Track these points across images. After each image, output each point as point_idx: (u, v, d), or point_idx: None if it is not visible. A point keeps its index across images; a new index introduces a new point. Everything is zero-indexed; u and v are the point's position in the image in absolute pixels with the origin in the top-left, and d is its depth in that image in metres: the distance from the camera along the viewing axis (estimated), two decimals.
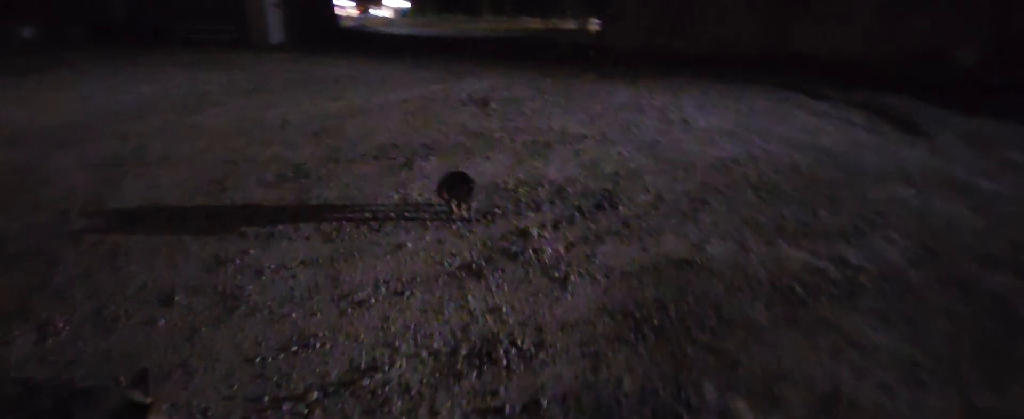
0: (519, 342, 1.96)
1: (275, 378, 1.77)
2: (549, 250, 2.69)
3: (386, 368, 1.82)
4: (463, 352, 1.91)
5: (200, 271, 2.48)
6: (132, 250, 2.68)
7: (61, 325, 2.05)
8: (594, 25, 16.64)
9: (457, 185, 2.96)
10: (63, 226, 2.98)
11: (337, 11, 21.58)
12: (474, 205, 3.12)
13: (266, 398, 1.69)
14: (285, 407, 1.66)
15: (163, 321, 2.09)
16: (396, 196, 3.44)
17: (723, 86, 7.63)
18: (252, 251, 2.67)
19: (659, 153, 4.40)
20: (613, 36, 13.11)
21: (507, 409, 1.67)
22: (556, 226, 2.99)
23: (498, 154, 4.36)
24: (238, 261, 2.57)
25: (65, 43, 11.99)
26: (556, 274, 2.46)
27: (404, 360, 1.87)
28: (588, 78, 8.39)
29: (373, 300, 2.24)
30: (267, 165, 4.06)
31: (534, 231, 2.91)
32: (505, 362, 1.86)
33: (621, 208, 3.26)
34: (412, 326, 2.07)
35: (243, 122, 5.41)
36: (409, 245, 2.75)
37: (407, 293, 2.30)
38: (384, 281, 2.40)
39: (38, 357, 1.87)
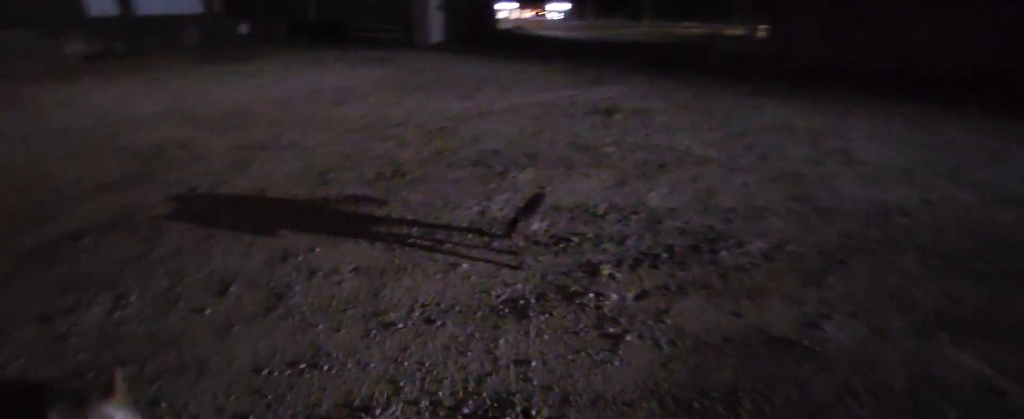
0: (533, 412, 1.64)
1: (269, 397, 1.69)
2: (614, 297, 2.29)
3: (377, 411, 1.64)
4: (466, 410, 1.65)
5: (264, 263, 2.56)
6: (223, 233, 2.89)
7: (133, 298, 2.24)
8: (763, 32, 14.91)
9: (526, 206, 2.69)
10: (186, 202, 3.36)
11: (500, 14, 22.62)
12: (534, 226, 2.81)
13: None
14: None
15: (210, 311, 2.17)
16: (476, 208, 3.29)
17: (912, 110, 6.17)
18: (318, 249, 2.71)
19: (797, 189, 3.62)
20: (780, 44, 11.53)
21: None
22: (634, 267, 2.55)
23: (601, 172, 3.98)
24: (300, 258, 2.61)
25: (270, 38, 14.19)
26: (611, 329, 2.06)
27: (401, 405, 1.67)
28: (738, 91, 7.43)
29: (401, 325, 2.09)
30: (373, 161, 4.20)
31: (606, 269, 2.52)
32: None
33: (723, 254, 2.69)
34: (427, 364, 1.86)
35: (371, 117, 5.74)
36: (464, 266, 2.56)
37: (438, 323, 2.10)
38: (422, 304, 2.23)
39: (99, 328, 2.04)
